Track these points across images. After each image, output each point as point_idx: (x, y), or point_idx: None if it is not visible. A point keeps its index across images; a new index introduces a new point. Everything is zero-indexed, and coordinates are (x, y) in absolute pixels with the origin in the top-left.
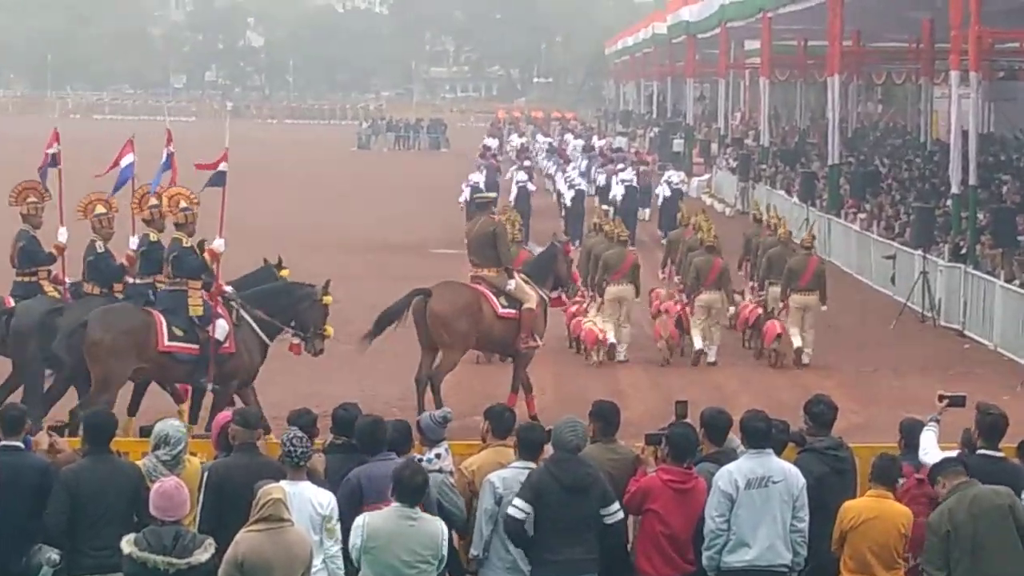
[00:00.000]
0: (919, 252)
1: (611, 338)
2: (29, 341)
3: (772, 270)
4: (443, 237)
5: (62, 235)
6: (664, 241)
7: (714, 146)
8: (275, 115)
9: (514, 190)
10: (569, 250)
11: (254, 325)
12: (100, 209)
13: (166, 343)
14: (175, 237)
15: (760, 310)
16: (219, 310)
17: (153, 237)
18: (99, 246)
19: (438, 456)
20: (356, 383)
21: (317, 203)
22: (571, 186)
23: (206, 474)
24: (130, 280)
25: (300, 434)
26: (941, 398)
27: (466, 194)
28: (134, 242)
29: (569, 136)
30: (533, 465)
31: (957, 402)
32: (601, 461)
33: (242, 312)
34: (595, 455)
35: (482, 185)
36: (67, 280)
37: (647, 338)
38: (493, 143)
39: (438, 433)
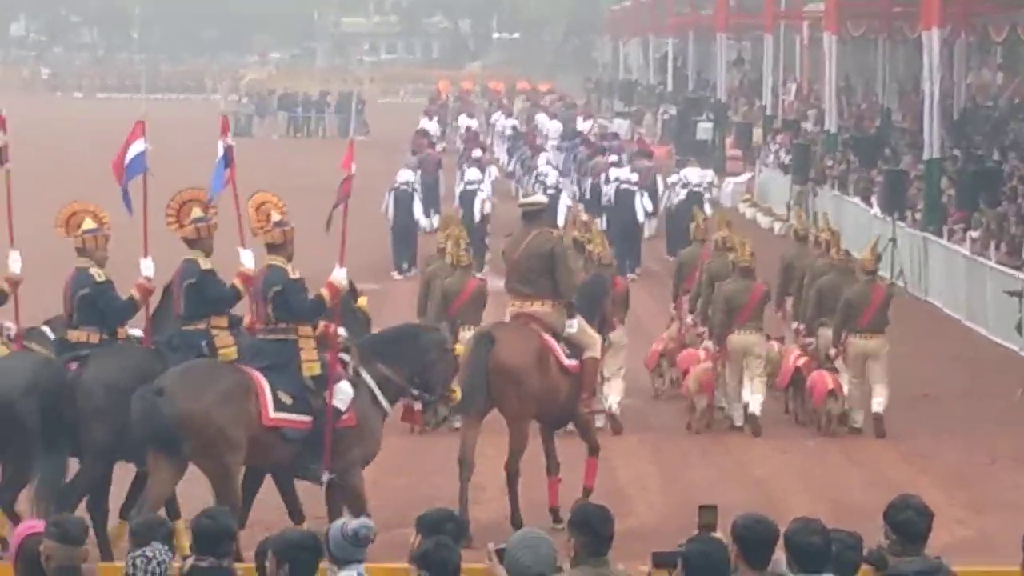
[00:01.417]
0: None
1: (610, 403)
2: (15, 413)
3: (824, 306)
4: (363, 265)
5: (14, 262)
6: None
7: (757, 132)
8: (112, 87)
9: (460, 193)
10: (618, 284)
11: (374, 387)
12: (89, 224)
13: (271, 414)
14: (273, 264)
15: (807, 359)
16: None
17: (204, 264)
18: (97, 275)
19: None
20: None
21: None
22: (543, 187)
23: None
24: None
25: (152, 554)
26: None
27: (389, 202)
28: (148, 267)
29: (542, 117)
30: None
31: None
32: None
33: (360, 369)
34: None
35: (416, 186)
36: (11, 326)
37: (648, 401)
38: (433, 128)
39: (350, 553)
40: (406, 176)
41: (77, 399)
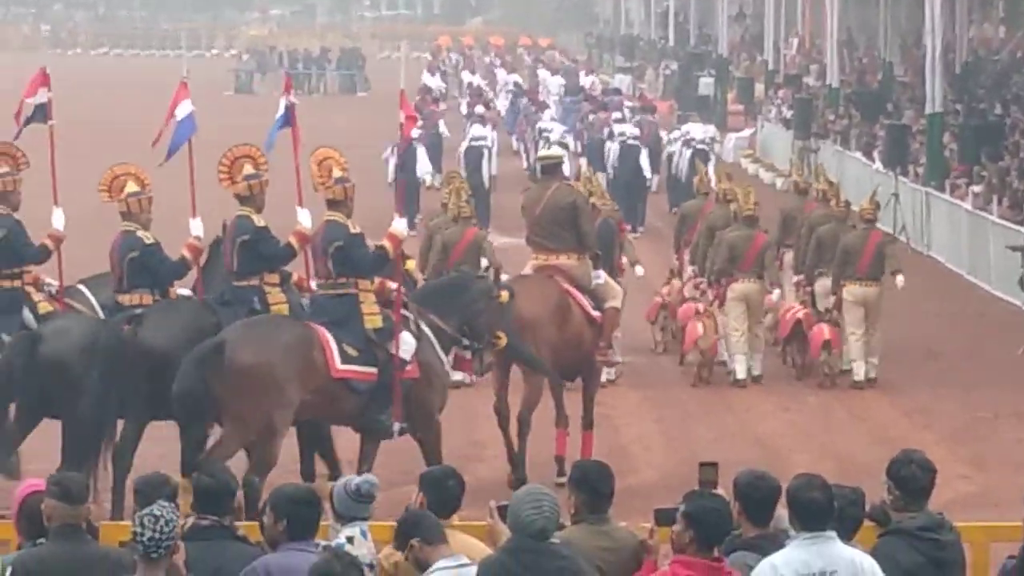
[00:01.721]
0: None
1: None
2: (73, 375)
3: (823, 255)
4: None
5: (57, 219)
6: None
7: (759, 87)
8: (113, 43)
9: (465, 150)
10: (624, 230)
11: (432, 338)
12: (132, 187)
13: (339, 366)
14: (333, 220)
15: (807, 311)
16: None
17: (259, 221)
18: (146, 237)
19: (350, 540)
20: None
21: (173, 177)
22: (547, 143)
23: (8, 573)
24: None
25: (160, 512)
26: None
27: (391, 164)
28: (197, 226)
29: (544, 73)
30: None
31: None
32: (587, 550)
33: (419, 321)
34: (579, 541)
35: (423, 146)
36: (51, 283)
37: (649, 357)
38: (435, 83)
39: (354, 509)
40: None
41: (134, 358)
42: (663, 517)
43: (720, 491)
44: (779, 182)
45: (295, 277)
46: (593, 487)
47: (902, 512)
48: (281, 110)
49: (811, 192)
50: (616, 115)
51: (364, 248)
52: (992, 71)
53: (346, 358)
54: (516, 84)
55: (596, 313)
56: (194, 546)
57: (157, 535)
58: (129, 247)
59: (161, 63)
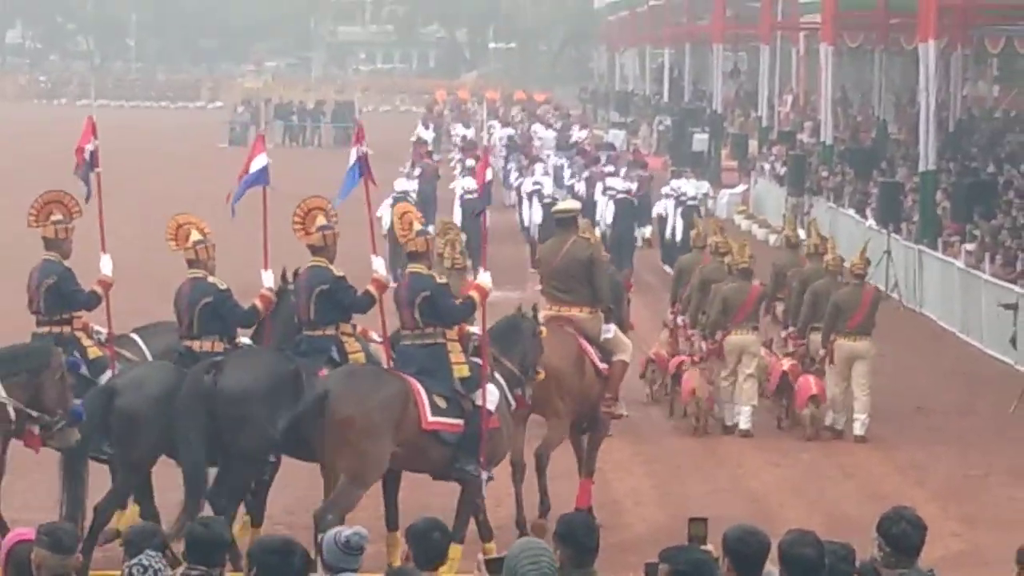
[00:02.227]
0: None
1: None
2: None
3: (819, 309)
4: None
5: (106, 265)
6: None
7: (753, 144)
8: (108, 94)
9: (458, 203)
10: (631, 287)
11: (503, 384)
12: (196, 235)
13: (430, 418)
14: (417, 271)
15: (792, 363)
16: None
17: (336, 271)
18: (219, 283)
19: None
20: None
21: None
22: (539, 197)
23: None
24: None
25: (149, 562)
26: None
27: (386, 212)
28: (268, 278)
29: (538, 127)
30: None
31: None
32: None
33: (494, 369)
34: None
35: (413, 196)
36: (100, 330)
37: (641, 410)
38: (429, 136)
39: (343, 561)
40: (404, 185)
41: (218, 406)
42: (653, 572)
43: (710, 547)
44: (772, 238)
45: (359, 328)
46: (579, 541)
47: (892, 569)
48: (352, 160)
49: (802, 247)
50: (609, 168)
51: (451, 298)
52: (986, 130)
53: (436, 410)
54: (510, 138)
55: (604, 365)
56: None
57: None
58: (202, 293)
59: (154, 114)
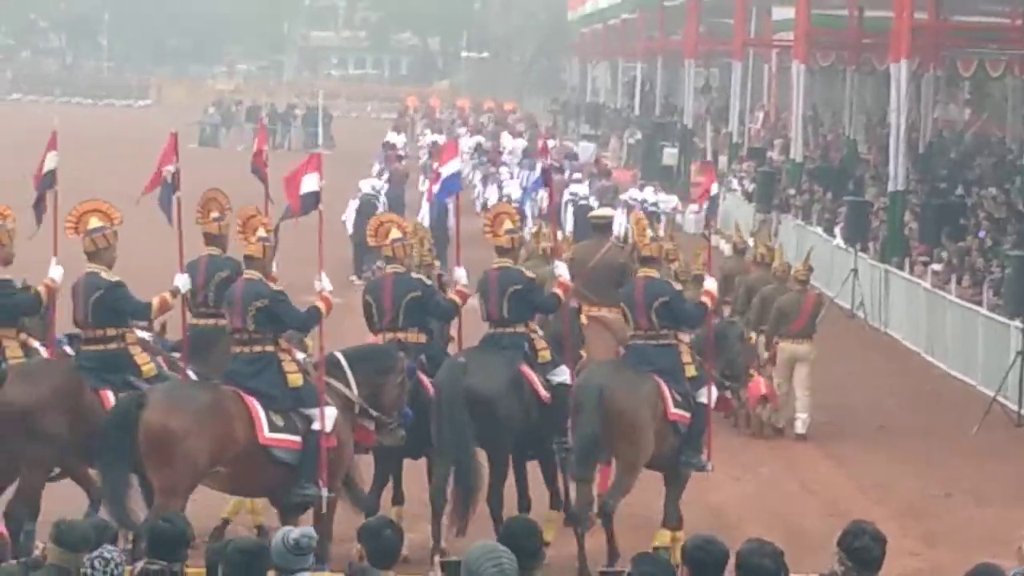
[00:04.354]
0: (1017, 322)
1: None
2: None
3: (766, 313)
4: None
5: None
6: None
7: (723, 159)
8: (80, 92)
9: (425, 206)
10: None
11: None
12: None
13: (672, 410)
14: (651, 276)
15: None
16: None
17: (528, 272)
18: (424, 278)
19: None
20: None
21: (138, 230)
22: (505, 200)
23: None
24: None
25: (110, 556)
26: None
27: (350, 210)
28: (462, 275)
29: (506, 136)
30: None
31: None
32: None
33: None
34: None
35: (382, 197)
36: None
37: None
38: (399, 140)
39: (292, 562)
40: (371, 184)
41: (472, 403)
42: None
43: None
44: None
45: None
46: (519, 545)
47: None
48: (537, 173)
49: (748, 254)
50: (575, 175)
51: (688, 303)
52: (955, 152)
53: (676, 403)
54: (478, 144)
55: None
56: None
57: None
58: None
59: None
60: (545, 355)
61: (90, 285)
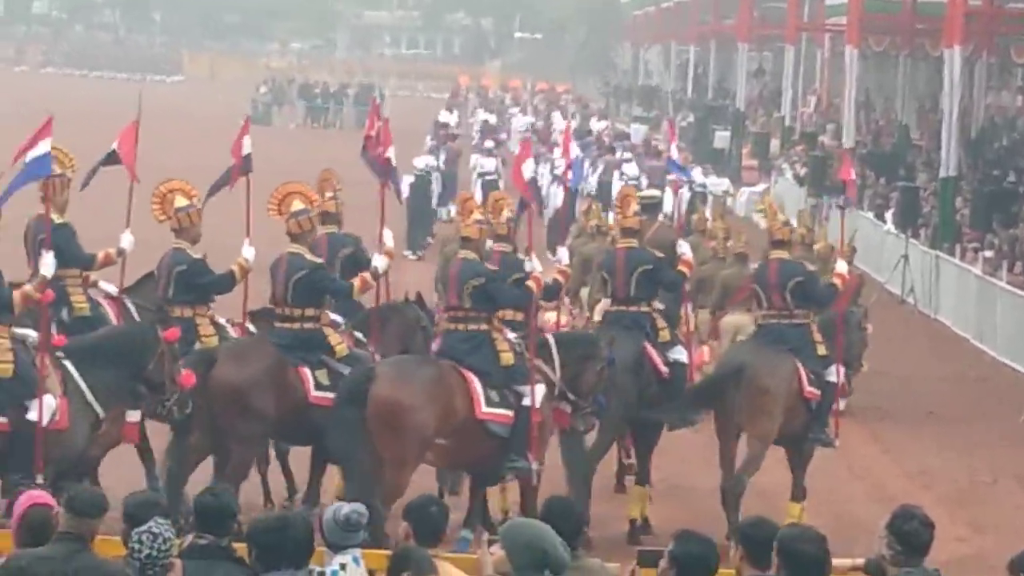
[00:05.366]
0: None
1: None
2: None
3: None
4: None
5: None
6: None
7: (775, 143)
8: (132, 67)
9: (476, 183)
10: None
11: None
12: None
13: (808, 388)
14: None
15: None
16: None
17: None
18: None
19: (343, 567)
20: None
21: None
22: (558, 181)
23: None
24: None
25: (159, 530)
26: None
27: (405, 188)
28: (565, 253)
29: (557, 115)
30: None
31: None
32: None
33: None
34: None
35: (440, 172)
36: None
37: None
38: (452, 119)
39: (344, 538)
40: (425, 161)
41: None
42: (646, 559)
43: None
44: None
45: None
46: (557, 525)
47: (899, 567)
48: (675, 154)
49: (707, 231)
50: (626, 155)
51: (819, 283)
52: (1007, 138)
53: (810, 381)
54: (531, 125)
55: None
56: (191, 564)
57: (155, 552)
58: (298, 267)
59: (176, 89)
60: (664, 334)
61: (293, 265)
